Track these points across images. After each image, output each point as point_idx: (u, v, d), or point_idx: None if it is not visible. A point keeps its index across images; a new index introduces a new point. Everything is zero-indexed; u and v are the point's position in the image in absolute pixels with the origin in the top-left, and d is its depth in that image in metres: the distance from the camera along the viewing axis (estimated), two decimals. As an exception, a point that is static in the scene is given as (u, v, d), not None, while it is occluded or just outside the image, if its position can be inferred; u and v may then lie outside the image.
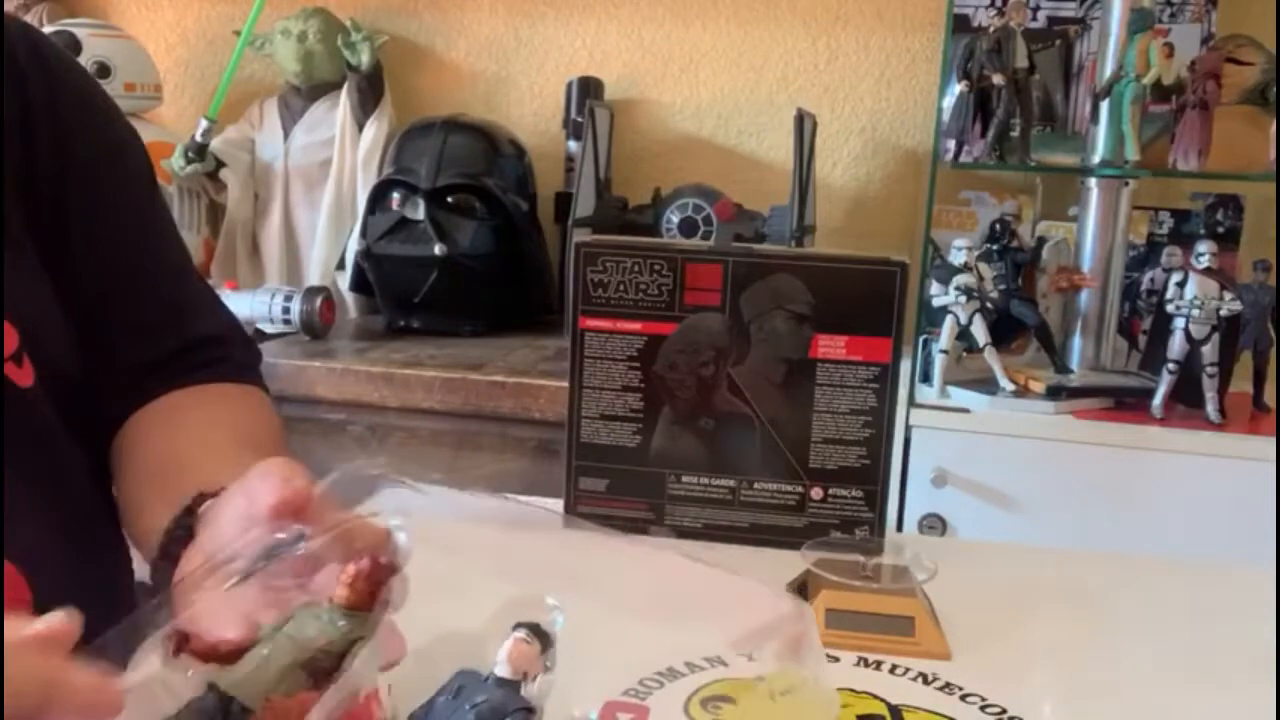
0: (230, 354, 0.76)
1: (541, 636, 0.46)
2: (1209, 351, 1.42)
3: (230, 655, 0.44)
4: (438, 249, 1.67)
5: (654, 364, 0.88)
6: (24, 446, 0.61)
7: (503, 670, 0.45)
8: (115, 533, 0.72)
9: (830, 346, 0.86)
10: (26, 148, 0.65)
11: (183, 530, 0.55)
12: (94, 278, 0.69)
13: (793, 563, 0.78)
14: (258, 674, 0.44)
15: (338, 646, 0.45)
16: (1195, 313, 1.41)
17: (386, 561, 0.46)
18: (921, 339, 1.57)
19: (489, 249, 1.72)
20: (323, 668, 0.44)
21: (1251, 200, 1.73)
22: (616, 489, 0.89)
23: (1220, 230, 1.72)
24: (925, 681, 0.69)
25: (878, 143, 1.94)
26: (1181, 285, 1.43)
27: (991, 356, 1.50)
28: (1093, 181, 1.61)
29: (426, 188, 1.70)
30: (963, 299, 1.48)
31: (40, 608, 0.58)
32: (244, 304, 1.62)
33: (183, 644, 0.44)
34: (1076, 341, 1.64)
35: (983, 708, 0.66)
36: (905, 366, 1.41)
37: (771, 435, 0.88)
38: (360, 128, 1.91)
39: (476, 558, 0.50)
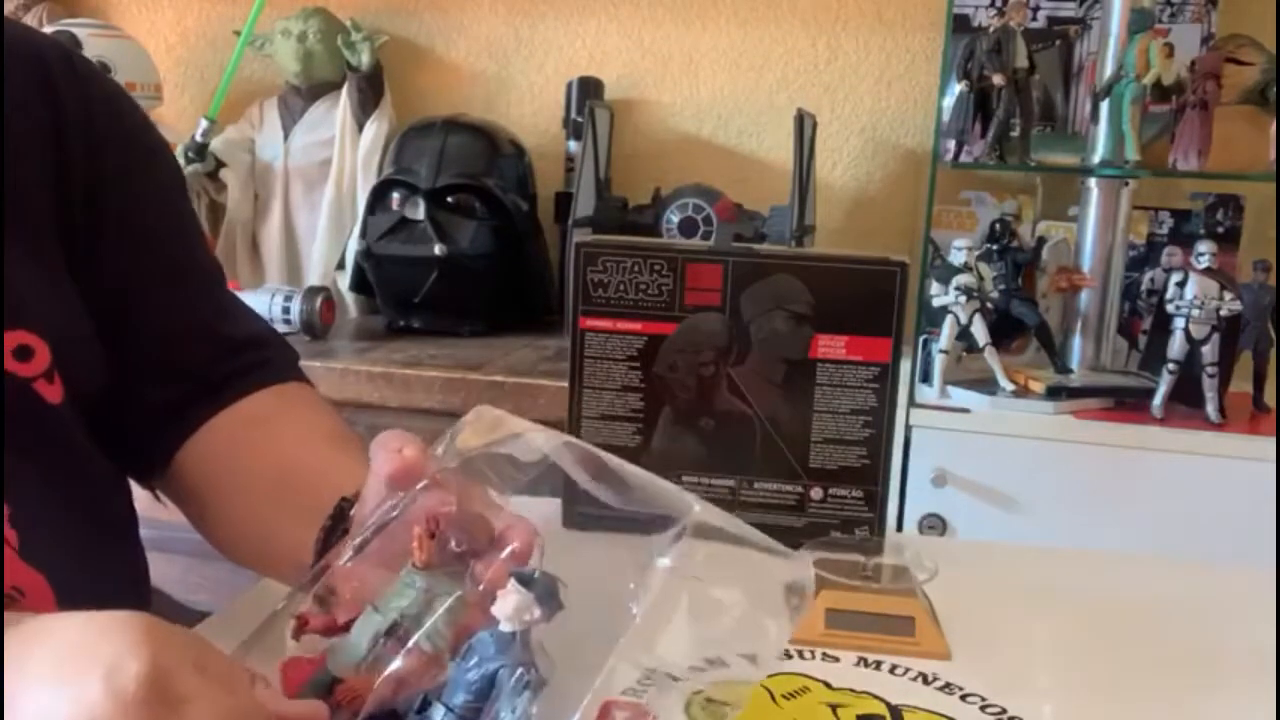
0: (275, 354, 0.76)
1: (527, 583, 0.46)
2: (1209, 351, 1.42)
3: (347, 626, 0.46)
4: (438, 249, 1.67)
5: (654, 364, 0.88)
6: (53, 461, 0.61)
7: (505, 626, 0.45)
8: (135, 540, 0.72)
9: (830, 346, 0.86)
10: (60, 159, 0.64)
11: (339, 536, 0.57)
12: (128, 286, 0.68)
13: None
14: (349, 648, 0.45)
15: (415, 609, 0.46)
16: (1195, 313, 1.41)
17: (446, 518, 0.48)
18: (921, 339, 1.57)
19: (489, 249, 1.72)
20: (406, 631, 0.45)
21: (1251, 200, 1.73)
22: (616, 489, 0.89)
23: (1220, 230, 1.72)
24: (925, 681, 0.69)
25: (878, 143, 1.94)
26: (1181, 285, 1.43)
27: (991, 356, 1.50)
28: (1093, 181, 1.61)
29: (426, 188, 1.70)
30: (963, 299, 1.48)
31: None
32: (244, 304, 1.62)
33: (302, 626, 0.46)
34: (1076, 341, 1.64)
35: (983, 708, 0.66)
36: (905, 366, 1.41)
37: (771, 435, 0.88)
38: (360, 128, 1.91)
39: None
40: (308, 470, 0.66)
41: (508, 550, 0.47)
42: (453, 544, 0.47)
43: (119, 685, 0.37)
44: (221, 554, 0.71)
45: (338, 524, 0.58)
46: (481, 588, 0.46)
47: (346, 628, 0.46)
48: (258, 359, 0.74)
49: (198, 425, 0.70)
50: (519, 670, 0.43)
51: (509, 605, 0.44)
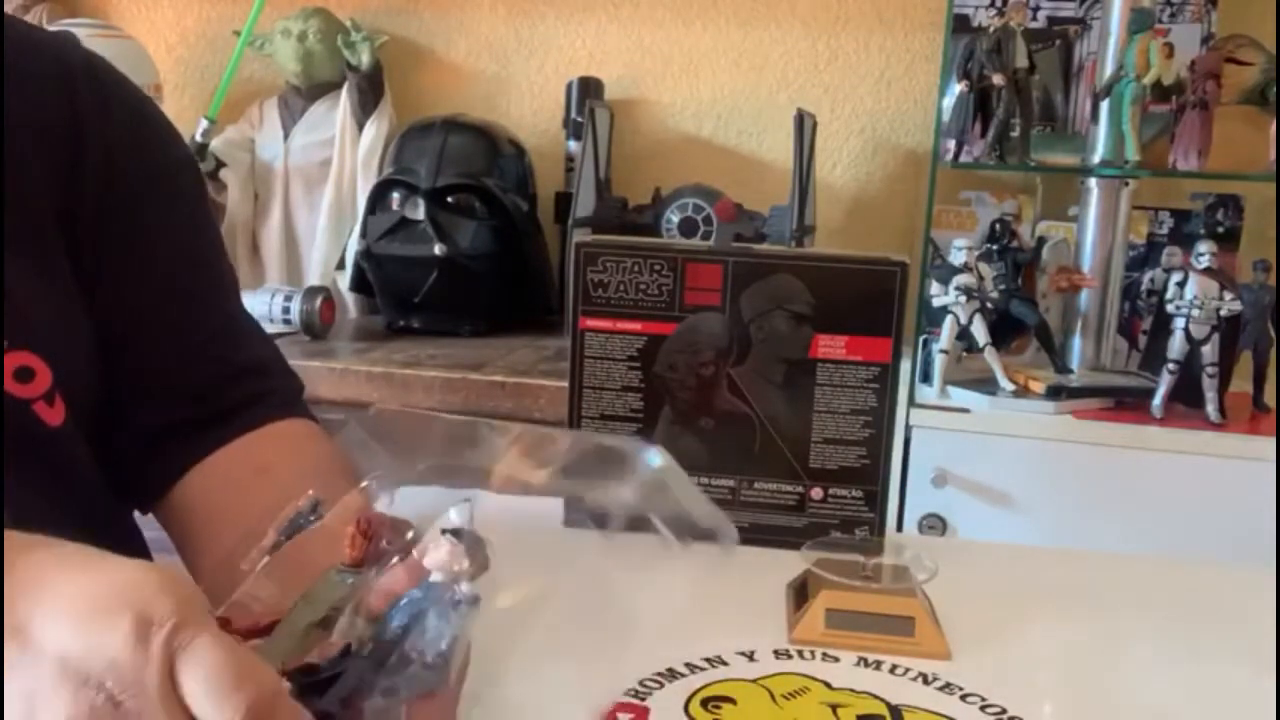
0: (279, 384, 0.74)
1: (458, 535, 0.47)
2: (1209, 351, 1.42)
3: (270, 628, 0.46)
4: (438, 249, 1.67)
5: (654, 364, 0.88)
6: (53, 482, 0.61)
7: (436, 576, 0.46)
8: (141, 554, 0.71)
9: (830, 346, 0.86)
10: (74, 166, 0.63)
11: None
12: (130, 301, 0.66)
13: (793, 563, 0.78)
14: (282, 640, 0.46)
15: (347, 602, 0.46)
16: (1195, 313, 1.41)
17: (377, 518, 0.49)
18: (921, 339, 1.57)
19: (489, 249, 1.72)
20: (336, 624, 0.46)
21: (1251, 200, 1.73)
22: (616, 489, 0.89)
23: (1220, 230, 1.72)
24: (925, 681, 0.69)
25: (878, 143, 1.94)
26: (1181, 285, 1.43)
27: (991, 356, 1.51)
28: (1093, 181, 1.61)
29: (426, 188, 1.70)
30: (963, 299, 1.48)
31: None
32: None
33: (225, 627, 0.46)
34: (1076, 341, 1.64)
35: (983, 708, 0.66)
36: (905, 366, 1.41)
37: (771, 435, 0.88)
38: (360, 128, 1.91)
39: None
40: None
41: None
42: (384, 543, 0.48)
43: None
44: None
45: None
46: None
47: (269, 629, 0.47)
48: (260, 389, 0.71)
49: (197, 458, 0.68)
50: (449, 592, 0.44)
51: (440, 555, 0.45)
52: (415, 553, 0.47)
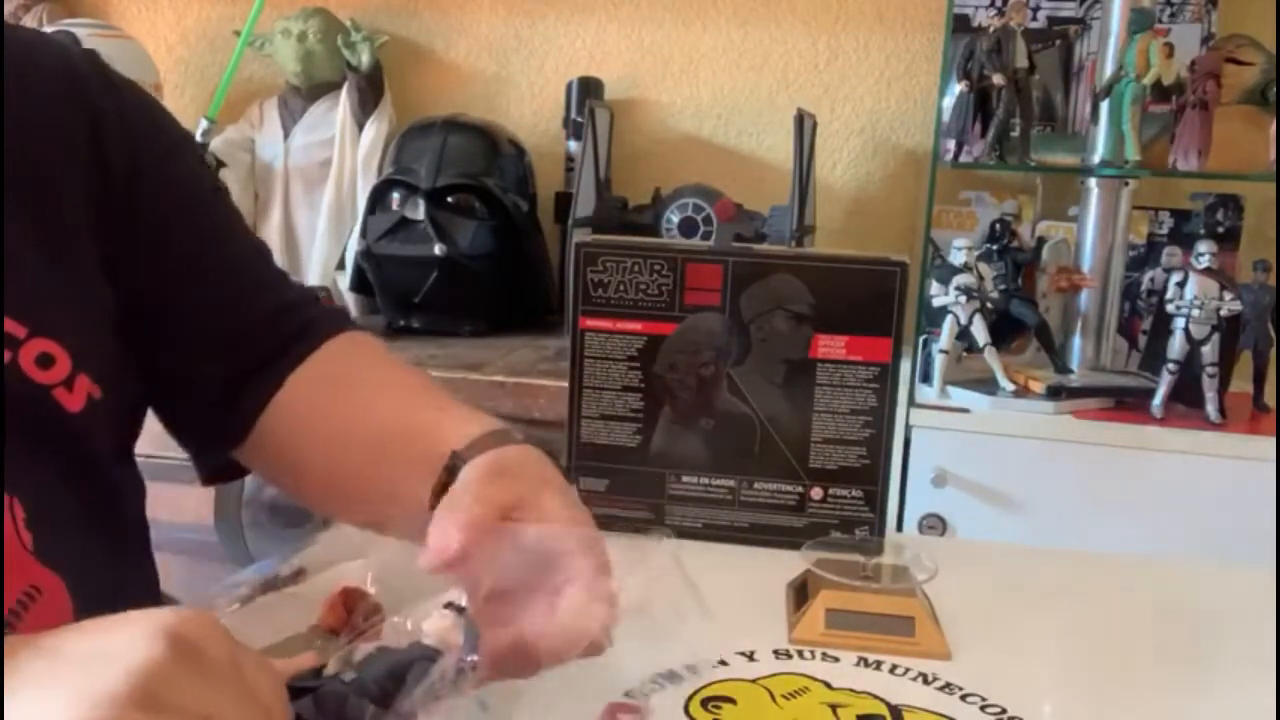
0: (323, 310, 0.78)
1: (461, 612, 0.49)
2: (1209, 351, 1.42)
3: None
4: (438, 249, 1.67)
5: (654, 364, 0.88)
6: (70, 467, 0.62)
7: (427, 640, 0.48)
8: (148, 546, 0.73)
9: (830, 346, 0.86)
10: (99, 162, 0.65)
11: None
12: (177, 266, 0.69)
13: (793, 563, 0.78)
14: None
15: (316, 665, 0.48)
16: (1195, 313, 1.41)
17: (357, 593, 0.53)
18: (921, 339, 1.57)
19: (489, 249, 1.72)
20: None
21: (1251, 200, 1.73)
22: (616, 489, 0.89)
23: (1220, 230, 1.72)
24: (925, 681, 0.69)
25: (878, 143, 1.94)
26: (1181, 285, 1.43)
27: (991, 356, 1.50)
28: (1093, 181, 1.61)
29: (426, 188, 1.70)
30: (963, 299, 1.48)
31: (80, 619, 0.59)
32: (244, 304, 1.62)
33: None
34: (1076, 341, 1.64)
35: (983, 708, 0.66)
36: (905, 366, 1.41)
37: (771, 435, 0.88)
38: (360, 128, 1.91)
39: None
40: (412, 427, 0.67)
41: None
42: (361, 618, 0.51)
43: (163, 630, 0.37)
44: (323, 513, 0.72)
45: (452, 476, 0.59)
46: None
47: None
48: (310, 315, 0.76)
49: (274, 390, 0.71)
50: (443, 657, 0.46)
51: (439, 624, 0.48)
52: (409, 622, 0.49)
